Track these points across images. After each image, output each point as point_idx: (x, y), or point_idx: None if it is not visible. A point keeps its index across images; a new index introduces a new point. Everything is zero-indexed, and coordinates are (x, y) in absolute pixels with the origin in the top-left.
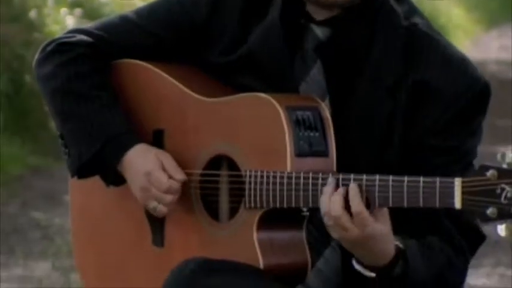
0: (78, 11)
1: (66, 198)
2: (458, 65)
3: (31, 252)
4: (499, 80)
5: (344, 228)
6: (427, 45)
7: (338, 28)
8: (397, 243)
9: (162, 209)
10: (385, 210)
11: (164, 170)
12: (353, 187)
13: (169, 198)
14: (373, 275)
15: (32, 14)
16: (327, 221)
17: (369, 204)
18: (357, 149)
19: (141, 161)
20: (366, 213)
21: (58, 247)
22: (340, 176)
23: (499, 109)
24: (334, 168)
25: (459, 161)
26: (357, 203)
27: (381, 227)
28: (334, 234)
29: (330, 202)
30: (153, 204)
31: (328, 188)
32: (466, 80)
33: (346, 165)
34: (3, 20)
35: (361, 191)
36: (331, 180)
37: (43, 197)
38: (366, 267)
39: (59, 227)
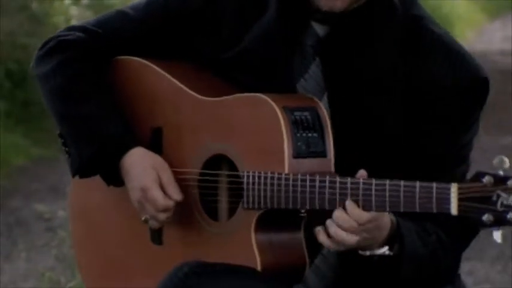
0: (83, 1)
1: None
2: (458, 59)
3: (34, 244)
4: (502, 70)
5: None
6: (427, 40)
7: (337, 25)
8: (391, 217)
9: (154, 224)
10: None
11: (161, 186)
12: (349, 204)
13: (163, 216)
14: (383, 249)
15: (35, 5)
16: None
17: (364, 209)
18: (355, 146)
19: (138, 173)
20: (369, 222)
21: (61, 239)
22: (338, 179)
23: (501, 100)
24: (332, 169)
25: (456, 153)
26: (360, 217)
27: (380, 218)
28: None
29: (337, 223)
30: (146, 217)
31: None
32: (465, 74)
33: (344, 162)
34: (6, 12)
35: (357, 204)
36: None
37: (46, 188)
38: (371, 249)
39: (62, 219)
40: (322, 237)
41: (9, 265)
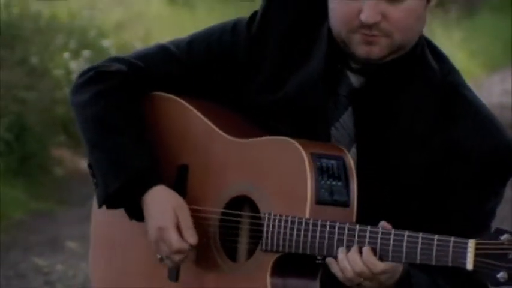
0: (83, 54)
1: (69, 243)
2: (488, 129)
3: None
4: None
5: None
6: (462, 105)
7: (373, 77)
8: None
9: (169, 264)
10: None
11: (179, 228)
12: (366, 250)
13: (177, 258)
14: None
15: (35, 58)
16: (345, 277)
17: (381, 258)
18: (379, 198)
19: (158, 212)
20: (383, 273)
21: None
22: (357, 227)
23: None
24: (354, 219)
25: (478, 220)
26: (374, 266)
27: (396, 270)
28: (353, 285)
29: (349, 263)
30: (162, 256)
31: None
32: (493, 145)
33: (367, 213)
34: (5, 65)
35: (374, 253)
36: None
37: (45, 242)
38: None
39: (60, 273)
40: (335, 268)
41: None
